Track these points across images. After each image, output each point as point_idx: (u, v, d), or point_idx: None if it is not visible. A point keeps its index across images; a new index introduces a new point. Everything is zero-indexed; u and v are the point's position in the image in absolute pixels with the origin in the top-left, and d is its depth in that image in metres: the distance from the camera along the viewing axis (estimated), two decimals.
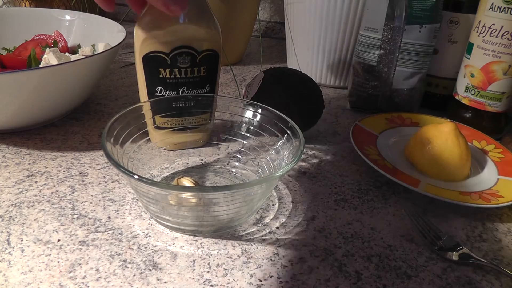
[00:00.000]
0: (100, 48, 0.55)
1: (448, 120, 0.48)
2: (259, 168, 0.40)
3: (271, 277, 0.31)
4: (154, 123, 0.41)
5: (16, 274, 0.29)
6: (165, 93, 0.41)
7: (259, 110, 0.41)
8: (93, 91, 0.58)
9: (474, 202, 0.38)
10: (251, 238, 0.34)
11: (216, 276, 0.30)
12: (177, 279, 0.30)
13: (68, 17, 0.62)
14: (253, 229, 0.35)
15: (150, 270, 0.30)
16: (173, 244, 0.33)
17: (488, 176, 0.44)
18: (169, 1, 0.32)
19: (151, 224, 0.35)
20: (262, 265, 0.32)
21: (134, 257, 0.31)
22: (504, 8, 0.48)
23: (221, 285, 0.30)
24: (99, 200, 0.37)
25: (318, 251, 0.33)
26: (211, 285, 0.29)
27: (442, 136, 0.43)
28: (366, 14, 0.56)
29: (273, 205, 0.39)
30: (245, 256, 0.32)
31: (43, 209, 0.36)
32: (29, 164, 0.42)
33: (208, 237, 0.34)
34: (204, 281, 0.30)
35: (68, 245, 0.32)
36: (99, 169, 0.42)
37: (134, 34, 0.40)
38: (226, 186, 0.30)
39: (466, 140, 0.44)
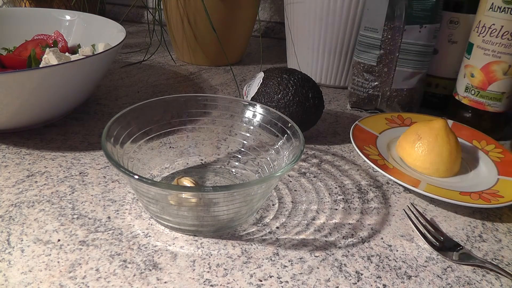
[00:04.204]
0: (100, 48, 0.55)
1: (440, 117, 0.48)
2: (259, 168, 0.40)
3: (271, 277, 0.31)
4: None
5: (16, 274, 0.29)
6: None
7: (259, 110, 0.41)
8: (93, 91, 0.58)
9: (474, 202, 0.38)
10: (251, 238, 0.34)
11: (216, 276, 0.30)
12: (177, 279, 0.30)
13: (68, 17, 0.62)
14: (253, 229, 0.35)
15: (150, 270, 0.30)
16: (173, 244, 0.33)
17: (488, 176, 0.44)
18: None
19: (151, 224, 0.35)
20: (262, 265, 0.32)
21: (134, 257, 0.31)
22: (504, 8, 0.48)
23: (221, 285, 0.30)
24: (99, 200, 0.37)
25: (318, 251, 0.33)
26: (211, 285, 0.29)
27: (432, 132, 0.43)
28: (366, 14, 0.56)
29: (273, 205, 0.39)
30: (245, 256, 0.32)
31: (43, 209, 0.35)
32: (29, 164, 0.42)
33: (208, 237, 0.34)
34: (204, 281, 0.30)
35: (68, 245, 0.32)
36: (99, 169, 0.42)
37: None
38: (226, 186, 0.29)
39: (456, 137, 0.44)
